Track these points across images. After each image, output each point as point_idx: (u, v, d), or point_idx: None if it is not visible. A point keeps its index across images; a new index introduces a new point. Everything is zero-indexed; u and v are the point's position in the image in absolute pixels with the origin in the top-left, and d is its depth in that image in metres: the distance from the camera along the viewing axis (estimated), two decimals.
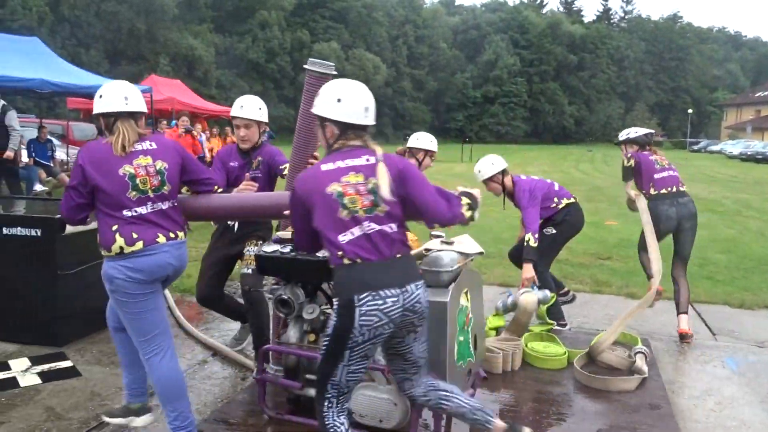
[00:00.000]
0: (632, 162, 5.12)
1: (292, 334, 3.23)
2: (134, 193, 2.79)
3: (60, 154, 14.11)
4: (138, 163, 2.82)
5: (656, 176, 5.00)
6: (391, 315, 2.33)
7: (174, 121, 11.64)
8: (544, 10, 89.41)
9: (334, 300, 2.45)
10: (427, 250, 3.06)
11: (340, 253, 2.36)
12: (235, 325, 4.57)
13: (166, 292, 5.56)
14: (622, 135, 5.38)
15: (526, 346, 4.27)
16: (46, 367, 4.07)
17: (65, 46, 37.74)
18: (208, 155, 16.24)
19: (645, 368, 3.98)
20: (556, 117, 79.50)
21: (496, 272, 6.83)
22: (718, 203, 14.48)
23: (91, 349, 4.42)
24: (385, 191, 2.37)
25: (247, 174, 3.82)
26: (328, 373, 2.41)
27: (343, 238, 2.36)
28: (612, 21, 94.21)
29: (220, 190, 3.25)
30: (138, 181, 2.81)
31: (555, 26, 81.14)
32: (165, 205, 2.89)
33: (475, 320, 3.20)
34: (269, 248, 3.17)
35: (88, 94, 13.57)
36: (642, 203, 4.98)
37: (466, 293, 3.06)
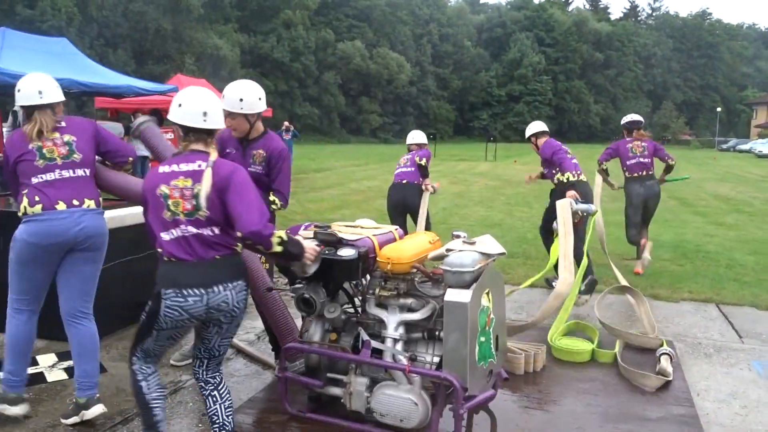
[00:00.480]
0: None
1: (314, 332, 3.25)
2: (41, 161, 3.18)
3: None
4: (45, 137, 3.22)
5: (628, 162, 6.75)
6: (192, 312, 2.56)
7: None
8: (570, 8, 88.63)
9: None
10: (448, 250, 3.05)
11: (160, 250, 2.60)
12: (259, 323, 4.59)
13: None
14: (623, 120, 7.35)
15: (552, 341, 4.31)
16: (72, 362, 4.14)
17: (93, 46, 38.37)
18: None
19: (670, 369, 3.94)
20: (582, 115, 78.70)
21: (520, 272, 6.79)
22: (747, 203, 14.21)
23: (117, 345, 4.49)
24: (202, 199, 2.53)
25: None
26: (139, 340, 2.69)
27: (165, 236, 2.58)
28: (639, 18, 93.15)
29: (131, 159, 3.54)
30: (45, 150, 3.19)
31: (581, 24, 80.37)
32: (75, 173, 3.24)
33: (497, 321, 3.19)
34: None
35: (116, 93, 13.81)
36: (598, 179, 7.06)
37: (487, 294, 3.05)
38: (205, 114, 2.63)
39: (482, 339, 2.97)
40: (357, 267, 3.03)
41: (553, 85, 77.40)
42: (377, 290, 3.15)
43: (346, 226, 3.52)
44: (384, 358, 3.04)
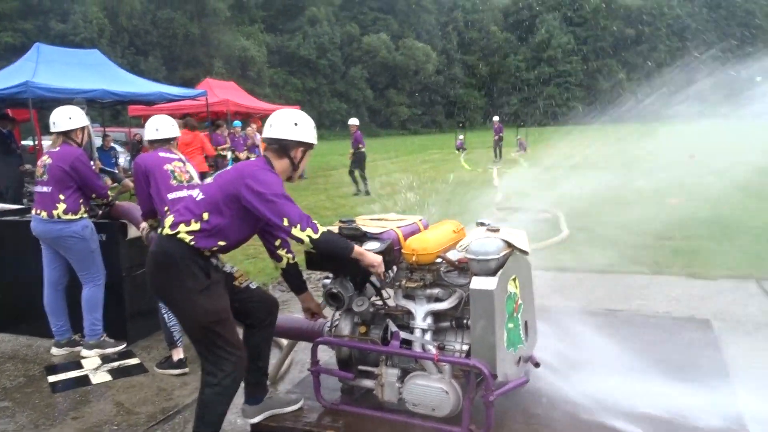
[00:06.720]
0: None
1: (344, 326, 3.29)
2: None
3: (123, 161, 14.69)
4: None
5: None
6: None
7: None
8: None
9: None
10: (460, 246, 3.05)
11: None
12: None
13: None
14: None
15: None
16: (115, 364, 4.28)
17: (125, 56, 39.18)
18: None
19: None
20: (616, 95, 77.20)
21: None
22: None
23: (157, 346, 4.62)
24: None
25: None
26: None
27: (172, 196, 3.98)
28: None
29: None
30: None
31: (610, 0, 78.70)
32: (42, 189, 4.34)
33: (525, 306, 3.18)
34: None
35: (148, 101, 14.10)
36: None
37: (514, 280, 3.04)
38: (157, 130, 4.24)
39: (510, 325, 2.97)
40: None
41: (583, 65, 76.04)
42: (404, 282, 3.17)
43: (371, 219, 3.55)
44: (413, 348, 3.06)
